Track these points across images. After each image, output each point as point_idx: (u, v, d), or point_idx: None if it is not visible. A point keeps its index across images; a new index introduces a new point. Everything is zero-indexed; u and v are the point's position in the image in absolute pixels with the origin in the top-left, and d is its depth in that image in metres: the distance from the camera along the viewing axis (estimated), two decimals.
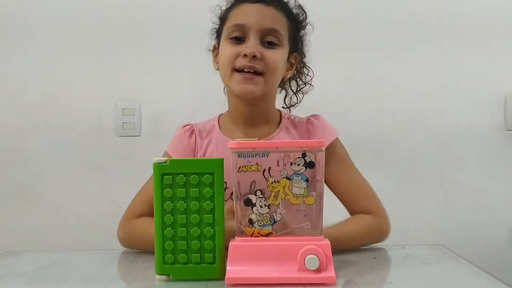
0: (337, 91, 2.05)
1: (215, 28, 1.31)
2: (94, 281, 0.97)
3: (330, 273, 0.86)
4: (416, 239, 2.03)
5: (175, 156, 1.27)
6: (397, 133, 2.09)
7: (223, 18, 1.27)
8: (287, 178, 0.90)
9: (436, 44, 2.09)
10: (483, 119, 2.09)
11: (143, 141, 2.08)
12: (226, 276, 0.87)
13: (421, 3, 2.09)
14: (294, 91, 1.36)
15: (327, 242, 0.89)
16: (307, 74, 1.35)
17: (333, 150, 1.25)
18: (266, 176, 0.90)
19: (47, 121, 2.06)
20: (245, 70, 1.16)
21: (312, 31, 1.33)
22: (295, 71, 1.32)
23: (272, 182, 0.90)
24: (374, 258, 1.12)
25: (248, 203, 0.90)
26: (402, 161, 2.09)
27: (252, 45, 1.16)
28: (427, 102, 2.09)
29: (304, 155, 0.89)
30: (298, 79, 1.35)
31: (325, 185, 1.08)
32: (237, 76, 1.18)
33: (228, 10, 1.25)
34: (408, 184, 2.09)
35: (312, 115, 1.31)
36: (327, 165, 1.18)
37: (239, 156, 0.90)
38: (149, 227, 1.11)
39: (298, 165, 0.89)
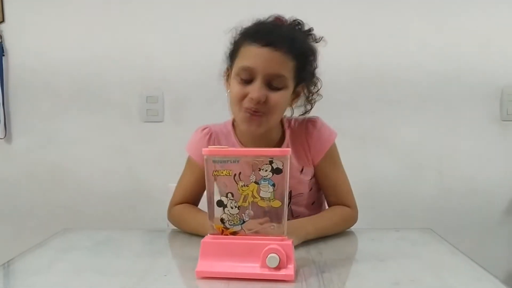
0: (344, 80, 2.05)
1: (229, 50, 1.28)
2: (144, 254, 1.10)
3: (289, 271, 0.88)
4: (414, 220, 2.05)
5: (197, 159, 1.32)
6: (399, 122, 2.09)
7: (234, 49, 1.25)
8: (256, 182, 0.91)
9: (438, 37, 2.06)
10: (480, 110, 2.07)
11: (165, 127, 2.13)
12: (196, 269, 0.91)
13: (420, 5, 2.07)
14: (306, 98, 1.32)
15: (289, 242, 0.91)
16: (315, 85, 1.32)
17: (327, 154, 1.31)
18: (236, 180, 0.92)
19: (78, 107, 2.13)
20: (251, 111, 1.19)
21: (325, 45, 1.28)
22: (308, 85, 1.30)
23: (242, 186, 0.92)
24: (372, 239, 1.21)
25: (220, 204, 0.93)
26: (403, 148, 2.09)
27: (257, 89, 1.17)
28: (429, 93, 2.08)
29: (271, 162, 0.91)
30: (310, 88, 1.31)
31: None
32: (243, 115, 1.20)
33: (240, 43, 1.23)
34: (409, 169, 2.09)
35: (309, 120, 1.33)
36: (321, 163, 1.31)
37: (213, 161, 0.93)
38: (183, 213, 1.29)
39: (266, 171, 0.91)
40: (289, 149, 0.92)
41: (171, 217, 1.33)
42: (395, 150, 2.09)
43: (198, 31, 2.08)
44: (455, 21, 2.05)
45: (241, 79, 1.19)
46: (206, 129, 1.35)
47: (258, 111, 1.18)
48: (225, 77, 1.31)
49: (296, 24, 1.26)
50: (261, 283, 0.88)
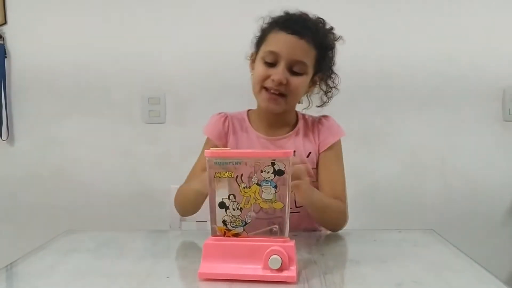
0: (345, 81, 2.04)
1: (256, 37, 1.38)
2: (147, 256, 1.09)
3: (291, 272, 0.88)
4: (416, 221, 2.04)
5: (214, 138, 1.39)
6: (401, 122, 2.08)
7: (262, 36, 1.35)
8: (258, 184, 0.91)
9: (440, 37, 2.06)
10: (482, 110, 2.07)
11: (167, 128, 2.13)
12: (199, 271, 0.90)
13: (424, 6, 2.06)
14: (324, 91, 1.42)
15: (291, 244, 0.91)
16: (333, 80, 1.42)
17: (333, 146, 1.40)
18: (238, 182, 0.92)
19: (80, 109, 2.12)
20: (271, 91, 1.29)
21: (343, 43, 1.38)
22: (325, 77, 1.40)
23: (244, 188, 0.92)
24: (375, 240, 1.21)
25: (222, 206, 0.93)
26: (405, 149, 2.09)
27: (280, 72, 1.27)
28: (430, 93, 2.07)
29: (273, 164, 0.91)
30: (328, 81, 1.42)
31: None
32: (265, 94, 1.31)
33: (268, 30, 1.33)
34: (411, 170, 2.09)
35: (323, 116, 1.44)
36: (325, 153, 1.38)
37: (215, 163, 0.93)
38: (182, 187, 1.35)
39: (268, 172, 0.91)
40: (291, 150, 0.92)
41: (175, 197, 1.37)
42: (397, 151, 2.09)
43: (200, 32, 2.08)
44: (456, 21, 2.05)
45: (266, 62, 1.29)
46: (222, 113, 1.43)
47: (280, 91, 1.29)
48: (250, 60, 1.41)
49: (320, 21, 1.36)
50: (263, 285, 0.88)
